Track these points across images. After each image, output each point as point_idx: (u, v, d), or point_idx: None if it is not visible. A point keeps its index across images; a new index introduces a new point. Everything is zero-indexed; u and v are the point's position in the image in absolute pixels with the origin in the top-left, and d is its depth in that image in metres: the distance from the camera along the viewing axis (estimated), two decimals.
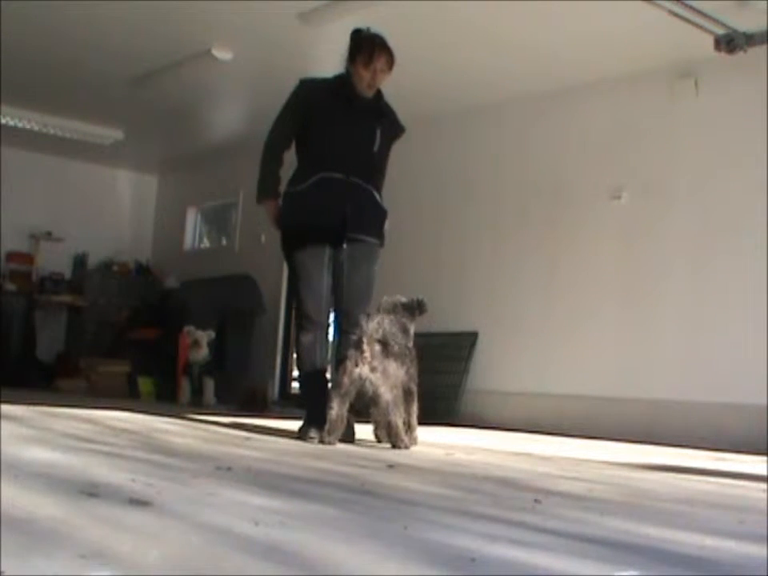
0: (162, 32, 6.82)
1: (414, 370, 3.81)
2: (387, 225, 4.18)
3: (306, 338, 3.99)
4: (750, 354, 5.77)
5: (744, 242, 5.97)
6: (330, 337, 4.37)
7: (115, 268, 10.85)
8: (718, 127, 6.25)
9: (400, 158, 4.40)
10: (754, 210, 5.92)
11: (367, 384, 3.53)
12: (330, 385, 3.89)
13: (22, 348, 9.87)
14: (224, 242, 10.95)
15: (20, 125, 9.23)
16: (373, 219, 4.10)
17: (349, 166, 3.98)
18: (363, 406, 3.76)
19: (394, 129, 4.16)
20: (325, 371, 4.04)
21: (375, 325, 3.57)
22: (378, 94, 4.11)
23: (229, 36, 6.83)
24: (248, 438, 3.81)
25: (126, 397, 8.38)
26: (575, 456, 4.06)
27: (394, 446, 3.65)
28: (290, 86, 4.21)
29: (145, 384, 8.78)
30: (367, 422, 3.85)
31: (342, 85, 4.03)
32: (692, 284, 6.22)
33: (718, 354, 5.97)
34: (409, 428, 3.77)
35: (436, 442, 4.36)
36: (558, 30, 6.20)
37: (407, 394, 3.77)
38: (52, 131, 9.41)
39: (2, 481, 1.81)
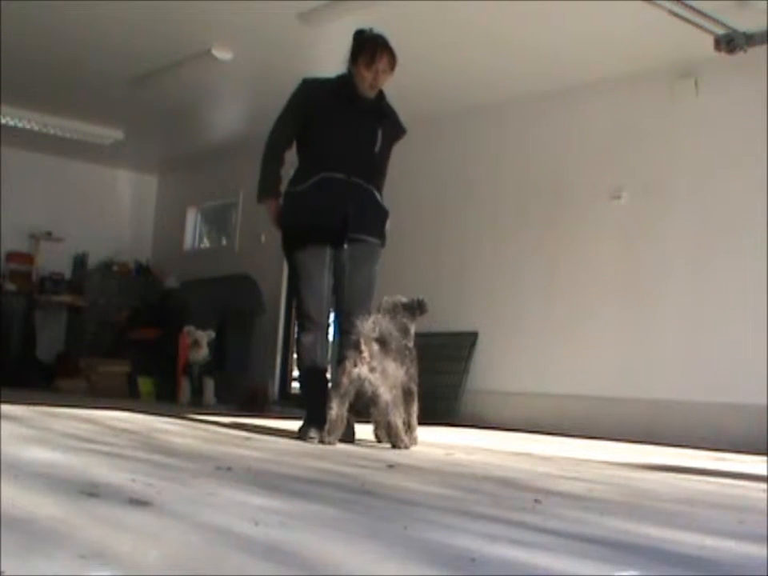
0: (162, 32, 6.82)
1: (414, 370, 3.81)
2: (388, 225, 4.18)
3: (307, 339, 3.99)
4: (750, 354, 5.77)
5: (744, 242, 5.97)
6: (331, 337, 4.37)
7: (115, 268, 10.84)
8: (718, 127, 6.25)
9: (400, 158, 4.40)
10: (753, 210, 5.92)
11: (366, 384, 3.53)
12: (330, 385, 3.89)
13: (22, 348, 9.87)
14: (224, 242, 10.95)
15: (20, 125, 9.23)
16: (374, 219, 4.10)
17: (350, 166, 3.98)
18: (363, 406, 3.76)
19: (395, 130, 4.16)
20: (325, 371, 4.04)
21: (371, 324, 3.56)
22: (380, 95, 4.11)
23: (229, 36, 6.83)
24: (248, 438, 3.81)
25: (126, 397, 8.38)
26: (575, 456, 4.06)
27: (393, 446, 3.65)
28: (290, 85, 4.21)
29: (145, 384, 8.77)
30: (367, 422, 3.85)
31: (344, 85, 4.04)
32: (692, 284, 6.22)
33: (718, 354, 5.97)
34: (409, 428, 3.77)
35: (436, 442, 4.36)
36: (558, 30, 6.20)
37: (407, 394, 3.77)
38: (52, 131, 9.41)
39: (2, 481, 1.81)
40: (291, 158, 4.18)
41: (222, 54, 7.04)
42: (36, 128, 9.31)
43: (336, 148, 4.01)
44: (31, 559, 1.16)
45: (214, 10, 6.25)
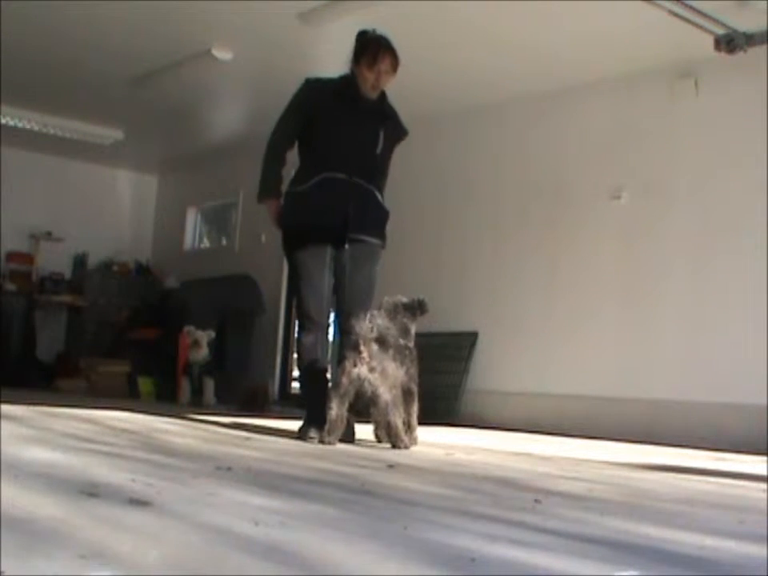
0: (162, 32, 6.82)
1: (414, 370, 3.81)
2: (388, 225, 4.17)
3: (307, 338, 3.99)
4: (750, 354, 5.77)
5: (744, 242, 5.97)
6: (331, 337, 4.37)
7: (115, 268, 10.85)
8: (718, 127, 6.25)
9: (400, 158, 4.40)
10: (753, 210, 5.92)
11: (366, 384, 3.53)
12: (330, 385, 3.88)
13: (22, 348, 9.87)
14: (224, 242, 10.95)
15: (20, 125, 9.23)
16: (375, 220, 4.10)
17: (351, 166, 3.98)
18: (363, 406, 3.76)
19: (397, 131, 4.16)
20: (325, 371, 4.04)
21: (369, 325, 3.56)
22: (382, 96, 4.11)
23: (229, 36, 6.83)
24: (248, 438, 3.81)
25: (126, 397, 8.38)
26: (575, 456, 4.06)
27: (393, 446, 3.65)
28: (290, 85, 4.21)
29: (145, 384, 8.77)
30: (367, 422, 3.85)
31: (346, 85, 4.04)
32: (692, 284, 6.22)
33: (718, 354, 5.97)
34: (409, 428, 3.77)
35: (436, 442, 4.36)
36: (558, 30, 6.20)
37: (407, 394, 3.77)
38: (52, 131, 9.41)
39: (2, 481, 1.81)
40: (292, 158, 4.18)
41: (222, 54, 7.04)
42: (36, 128, 9.31)
43: (337, 148, 4.01)
44: (31, 559, 1.16)
45: (213, 9, 6.25)
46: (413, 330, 3.91)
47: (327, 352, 4.11)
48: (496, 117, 7.73)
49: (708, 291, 6.12)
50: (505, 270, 7.43)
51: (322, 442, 3.60)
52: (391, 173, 4.26)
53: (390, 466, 2.86)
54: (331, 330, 4.42)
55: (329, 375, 4.07)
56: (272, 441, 3.76)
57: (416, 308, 3.93)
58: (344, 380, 3.55)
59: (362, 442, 3.88)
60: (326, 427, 3.59)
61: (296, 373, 7.08)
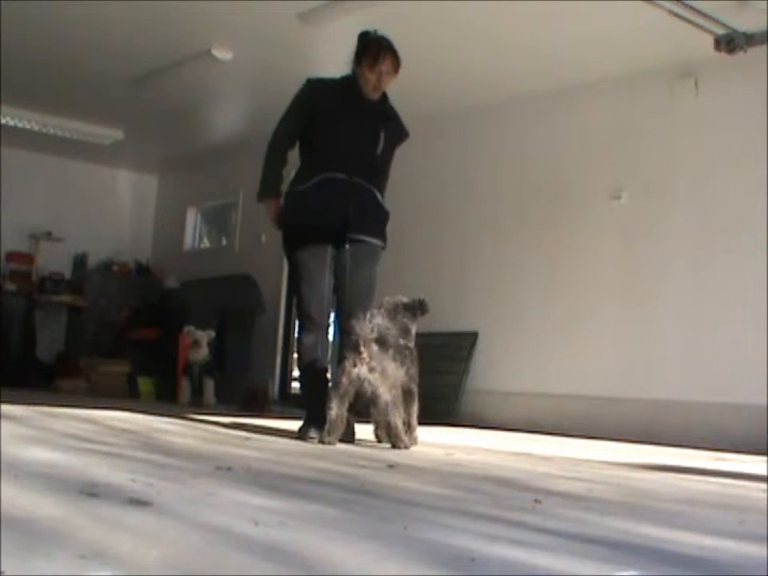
0: (162, 32, 6.82)
1: (414, 371, 3.81)
2: (388, 226, 4.18)
3: (308, 338, 3.99)
4: (750, 354, 5.77)
5: (744, 242, 5.97)
6: (331, 337, 4.37)
7: (115, 268, 10.85)
8: (718, 127, 6.25)
9: (401, 158, 4.40)
10: (754, 210, 5.92)
11: (366, 384, 3.53)
12: (330, 385, 3.88)
13: (22, 348, 9.88)
14: (224, 242, 10.95)
15: (20, 125, 9.23)
16: (375, 220, 4.09)
17: (352, 166, 3.98)
18: (363, 406, 3.76)
19: (398, 133, 4.17)
20: (325, 371, 4.04)
21: (370, 326, 3.56)
22: (384, 97, 4.12)
23: (229, 36, 6.83)
24: (248, 438, 3.81)
25: (126, 397, 8.38)
26: (575, 456, 4.06)
27: (393, 446, 3.65)
28: (290, 85, 4.21)
29: (145, 384, 8.77)
30: (367, 422, 3.85)
31: (348, 86, 4.04)
32: (692, 284, 6.22)
33: (718, 354, 5.97)
34: (409, 428, 3.77)
35: (436, 442, 4.36)
36: (558, 30, 6.20)
37: (407, 394, 3.77)
38: (52, 131, 9.41)
39: (2, 481, 1.81)
40: (293, 158, 4.18)
41: (222, 53, 7.04)
42: (36, 128, 9.31)
43: (338, 148, 4.01)
44: (31, 559, 1.16)
45: (214, 9, 6.25)
46: (413, 330, 3.91)
47: (327, 352, 4.11)
48: (496, 117, 7.73)
49: (708, 291, 6.12)
50: (504, 270, 7.43)
51: (321, 441, 3.60)
52: (391, 173, 4.26)
53: (390, 466, 2.86)
54: (331, 330, 4.42)
55: (329, 375, 4.07)
56: (272, 441, 3.76)
57: (416, 308, 3.93)
58: (344, 380, 3.55)
59: (362, 442, 3.88)
60: (326, 427, 3.59)
61: (296, 373, 7.09)
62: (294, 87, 4.19)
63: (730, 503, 2.54)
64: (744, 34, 5.55)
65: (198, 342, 7.76)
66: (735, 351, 5.87)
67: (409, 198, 7.53)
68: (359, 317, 3.64)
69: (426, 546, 1.46)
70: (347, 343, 3.70)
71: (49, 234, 10.58)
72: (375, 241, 4.09)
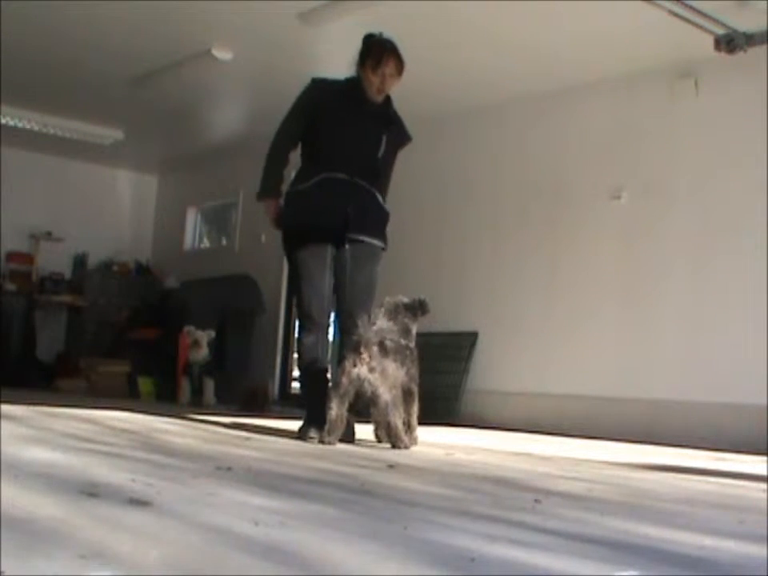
0: (162, 32, 6.82)
1: (414, 371, 3.81)
2: (387, 226, 4.18)
3: (308, 338, 3.98)
4: (750, 354, 5.77)
5: (744, 242, 5.97)
6: (331, 337, 4.36)
7: (115, 268, 10.85)
8: (718, 127, 6.25)
9: (401, 158, 4.39)
10: (754, 210, 5.92)
11: (366, 384, 3.53)
12: (330, 385, 3.88)
13: (22, 348, 9.88)
14: (224, 242, 10.95)
15: (20, 125, 9.23)
16: (375, 221, 4.09)
17: (353, 167, 3.98)
18: (363, 406, 3.76)
19: (400, 137, 4.17)
20: (326, 371, 4.04)
21: (373, 329, 3.56)
22: (387, 101, 4.12)
23: (229, 36, 6.83)
24: (248, 438, 3.81)
25: (126, 397, 8.38)
26: (575, 456, 4.06)
27: (393, 446, 3.64)
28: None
29: (145, 384, 8.77)
30: (367, 421, 3.85)
31: (352, 88, 4.04)
32: (692, 284, 6.22)
33: (718, 354, 5.97)
34: (409, 428, 3.77)
35: (436, 442, 4.36)
36: (558, 30, 6.20)
37: (407, 394, 3.76)
38: (52, 131, 9.41)
39: (2, 481, 1.81)
40: (294, 158, 4.18)
41: (222, 54, 7.04)
42: (36, 128, 9.32)
43: (340, 149, 4.01)
44: (31, 559, 1.16)
45: (213, 9, 6.25)
46: (414, 330, 3.91)
47: (327, 352, 4.11)
48: (496, 117, 7.73)
49: (708, 291, 6.12)
50: (505, 270, 7.43)
51: (321, 441, 3.60)
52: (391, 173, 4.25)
53: (390, 466, 2.86)
54: (331, 330, 4.41)
55: (329, 375, 4.07)
56: (272, 441, 3.76)
57: (417, 308, 3.93)
58: (344, 380, 3.55)
59: (362, 442, 3.88)
60: (326, 427, 3.59)
61: (296, 373, 7.09)
62: (294, 87, 4.19)
63: (730, 503, 2.54)
64: (744, 33, 5.55)
65: (198, 342, 7.76)
66: (735, 351, 5.87)
67: (409, 197, 7.53)
68: (363, 319, 3.64)
69: (426, 546, 1.46)
70: (347, 343, 3.70)
71: (49, 234, 10.58)
72: (375, 241, 4.09)
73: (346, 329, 3.99)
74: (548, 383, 6.92)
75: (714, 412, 5.86)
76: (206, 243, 11.40)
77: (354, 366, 3.52)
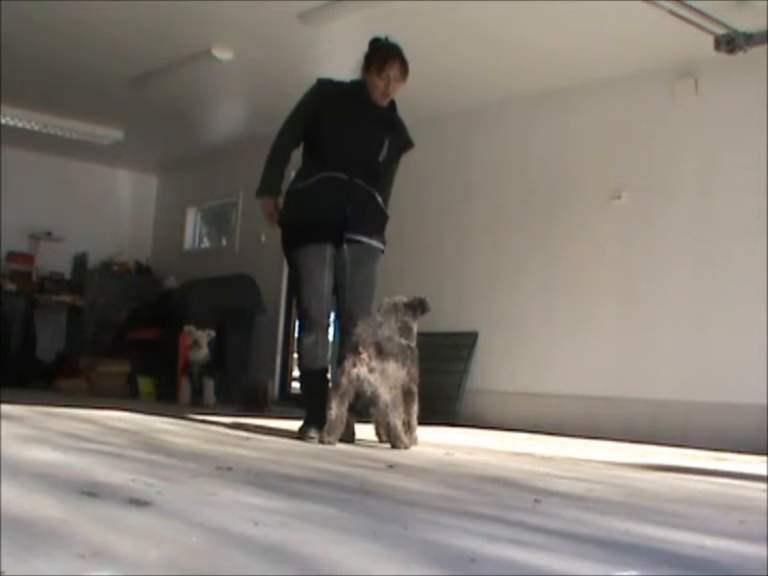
0: (162, 32, 6.82)
1: (415, 370, 3.80)
2: (387, 227, 4.18)
3: (308, 339, 3.98)
4: (750, 354, 5.77)
5: (744, 242, 5.97)
6: (331, 337, 4.36)
7: (115, 268, 10.85)
8: (718, 127, 6.25)
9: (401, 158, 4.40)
10: (753, 210, 5.92)
11: (365, 384, 3.53)
12: (330, 385, 3.88)
13: (22, 348, 9.87)
14: (224, 242, 10.95)
15: (20, 125, 9.23)
16: (373, 221, 4.09)
17: (353, 167, 3.98)
18: (363, 406, 3.76)
19: (402, 142, 4.18)
20: (326, 371, 4.04)
21: (371, 331, 3.55)
22: (392, 106, 4.13)
23: (229, 36, 6.83)
24: (248, 438, 3.81)
25: (126, 397, 8.38)
26: (575, 456, 4.06)
27: (393, 447, 3.64)
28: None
29: (145, 384, 8.77)
30: (367, 421, 3.85)
31: (357, 90, 4.05)
32: (692, 284, 6.22)
33: (718, 354, 5.96)
34: (409, 428, 3.77)
35: (436, 442, 4.36)
36: (558, 30, 6.20)
37: (407, 394, 3.76)
38: (52, 131, 9.41)
39: (2, 481, 1.81)
40: (296, 157, 4.18)
41: (222, 53, 7.04)
42: (36, 128, 9.32)
43: (341, 149, 4.01)
44: (31, 559, 1.16)
45: (214, 10, 6.25)
46: (414, 329, 3.90)
47: (327, 352, 4.11)
48: (496, 117, 7.73)
49: (708, 291, 6.12)
50: (505, 270, 7.43)
51: (321, 442, 3.60)
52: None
53: (390, 466, 2.86)
54: (331, 330, 4.41)
55: (329, 375, 4.07)
56: (272, 441, 3.76)
57: (417, 307, 3.93)
58: (344, 380, 3.55)
59: (362, 442, 3.87)
60: (326, 427, 3.59)
61: (296, 373, 7.08)
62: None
63: (730, 503, 2.54)
64: (744, 33, 5.55)
65: (198, 342, 7.76)
66: (735, 351, 5.87)
67: (409, 197, 7.51)
68: (363, 320, 3.63)
69: (426, 546, 1.46)
70: (347, 343, 3.70)
71: (49, 234, 10.58)
72: (374, 242, 4.09)
73: (345, 329, 3.99)
74: (548, 383, 6.92)
75: (713, 412, 5.86)
76: (205, 243, 11.40)
77: (354, 366, 3.52)
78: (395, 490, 2.27)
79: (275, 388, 9.24)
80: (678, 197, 6.39)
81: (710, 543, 1.67)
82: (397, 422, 3.63)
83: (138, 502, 1.68)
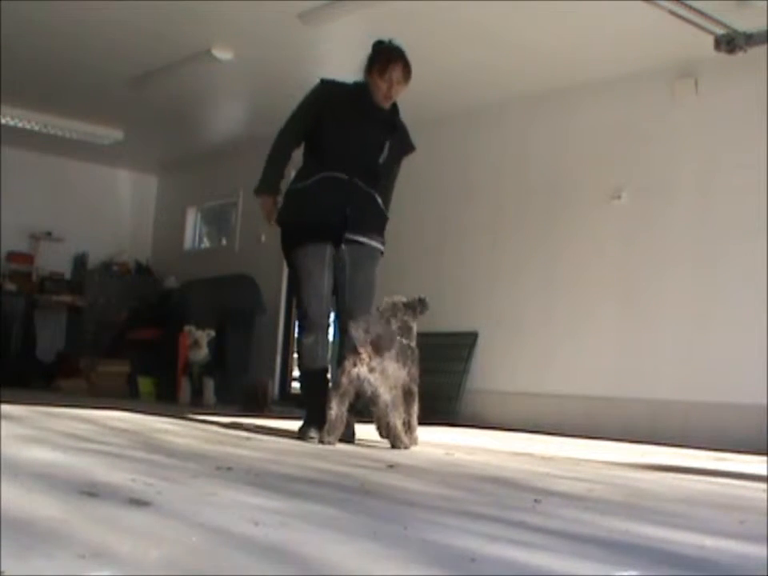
0: (162, 32, 6.82)
1: (415, 370, 3.80)
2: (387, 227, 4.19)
3: (308, 339, 3.98)
4: (750, 354, 5.77)
5: (744, 242, 5.97)
6: (331, 337, 4.36)
7: (115, 268, 10.85)
8: (718, 127, 6.25)
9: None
10: (754, 210, 5.92)
11: (365, 384, 3.53)
12: (330, 385, 3.88)
13: (22, 348, 9.87)
14: (224, 242, 10.95)
15: (20, 125, 9.23)
16: (373, 222, 4.09)
17: (353, 168, 3.98)
18: (363, 406, 3.76)
19: (403, 146, 4.18)
20: (325, 371, 4.04)
21: (363, 332, 3.54)
22: (394, 109, 4.13)
23: (229, 36, 6.83)
24: (248, 438, 3.81)
25: (126, 397, 8.38)
26: (575, 456, 4.06)
27: (393, 447, 3.64)
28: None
29: (145, 384, 8.77)
30: (367, 421, 3.85)
31: (360, 92, 4.05)
32: (692, 284, 6.22)
33: (718, 354, 5.97)
34: (409, 428, 3.77)
35: (436, 442, 4.36)
36: (558, 29, 6.20)
37: (408, 394, 3.76)
38: (52, 131, 9.41)
39: (2, 481, 1.81)
40: (296, 157, 4.18)
41: (222, 53, 7.04)
42: (36, 128, 9.32)
43: (341, 149, 4.01)
44: (31, 559, 1.16)
45: (214, 10, 6.25)
46: (414, 328, 3.90)
47: (327, 352, 4.11)
48: (496, 117, 7.73)
49: (708, 291, 6.12)
50: (505, 270, 7.43)
51: (321, 441, 3.60)
52: None
53: (390, 466, 2.86)
54: (331, 330, 4.41)
55: (329, 375, 4.07)
56: (272, 441, 3.76)
57: (416, 306, 3.93)
58: (344, 380, 3.54)
59: (362, 442, 3.87)
60: (326, 427, 3.59)
61: (296, 373, 7.08)
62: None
63: (730, 503, 2.54)
64: (744, 33, 5.55)
65: (198, 342, 7.76)
66: (735, 351, 5.87)
67: (409, 197, 7.51)
68: (352, 323, 3.63)
69: (425, 546, 1.46)
70: (347, 343, 3.69)
71: (49, 234, 10.58)
72: (373, 243, 4.09)
73: (345, 329, 3.98)
74: (548, 383, 6.92)
75: (713, 412, 5.86)
76: (205, 243, 11.40)
77: (354, 365, 3.52)
78: (395, 489, 2.27)
79: (275, 388, 9.24)
80: (678, 197, 6.39)
81: (710, 543, 1.67)
82: (397, 421, 3.63)
83: (138, 502, 1.68)
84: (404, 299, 3.92)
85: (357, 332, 3.53)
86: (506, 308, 7.35)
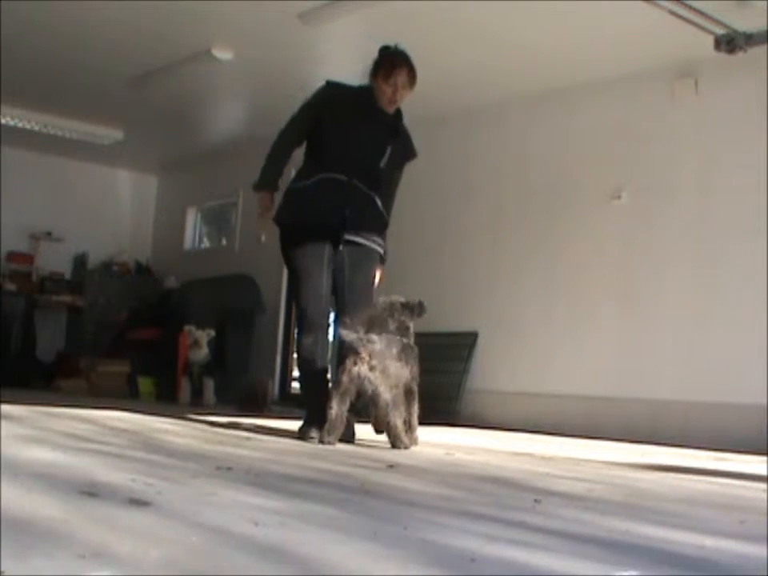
0: (162, 32, 6.82)
1: (416, 369, 3.80)
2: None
3: (307, 339, 3.98)
4: (750, 354, 5.77)
5: (744, 242, 5.97)
6: (331, 337, 4.36)
7: (115, 268, 10.84)
8: (718, 127, 6.25)
9: None
10: (754, 210, 5.92)
11: (366, 383, 3.53)
12: (330, 385, 3.88)
13: (22, 348, 9.87)
14: (224, 242, 10.95)
15: (20, 125, 9.23)
16: (372, 224, 4.09)
17: (352, 170, 3.98)
18: (363, 406, 3.75)
19: (405, 152, 4.18)
20: (325, 371, 4.04)
21: (355, 335, 3.53)
22: (398, 114, 4.14)
23: (229, 36, 6.83)
24: (248, 438, 3.81)
25: (126, 397, 8.38)
26: (575, 456, 4.06)
27: (393, 446, 3.64)
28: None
29: (145, 384, 8.77)
30: (366, 421, 3.85)
31: (364, 96, 4.05)
32: (692, 283, 6.22)
33: (718, 354, 5.96)
34: (409, 428, 3.77)
35: (436, 442, 4.36)
36: (558, 29, 6.20)
37: (408, 393, 3.76)
38: (52, 131, 9.41)
39: (2, 481, 1.81)
40: (297, 156, 4.18)
41: (222, 53, 7.04)
42: (36, 128, 9.31)
43: (341, 151, 4.02)
44: (31, 559, 1.16)
45: (214, 10, 6.25)
46: (411, 328, 3.90)
47: (327, 352, 4.11)
48: (496, 117, 7.73)
49: (708, 291, 6.12)
50: (505, 270, 7.43)
51: (321, 441, 3.60)
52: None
53: (390, 466, 2.86)
54: (331, 330, 4.41)
55: (328, 375, 4.07)
56: (272, 441, 3.76)
57: (414, 308, 3.93)
58: (344, 378, 3.54)
59: (362, 442, 3.87)
60: (326, 427, 3.58)
61: (296, 373, 7.08)
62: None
63: (730, 503, 2.54)
64: (744, 33, 5.55)
65: (198, 342, 7.76)
66: (735, 351, 5.87)
67: (409, 198, 7.49)
68: (343, 326, 3.62)
69: (425, 546, 1.46)
70: (345, 344, 3.69)
71: (49, 234, 10.58)
72: (372, 245, 4.09)
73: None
74: (548, 383, 6.92)
75: (713, 412, 5.86)
76: (205, 243, 11.40)
77: (355, 364, 3.52)
78: (395, 489, 2.27)
79: (275, 388, 9.24)
80: (678, 197, 6.39)
81: (710, 543, 1.67)
82: (397, 421, 3.63)
83: (138, 502, 1.68)
84: (402, 299, 3.92)
85: (349, 336, 3.53)
86: (506, 308, 7.35)
